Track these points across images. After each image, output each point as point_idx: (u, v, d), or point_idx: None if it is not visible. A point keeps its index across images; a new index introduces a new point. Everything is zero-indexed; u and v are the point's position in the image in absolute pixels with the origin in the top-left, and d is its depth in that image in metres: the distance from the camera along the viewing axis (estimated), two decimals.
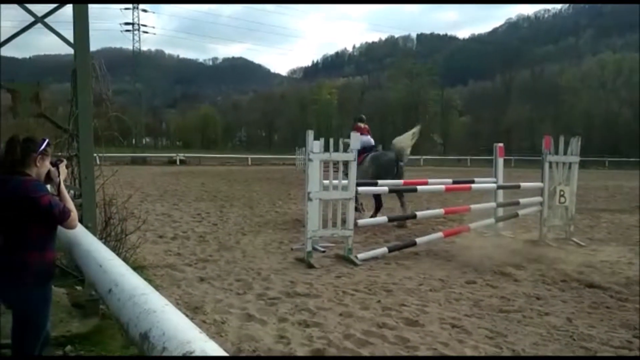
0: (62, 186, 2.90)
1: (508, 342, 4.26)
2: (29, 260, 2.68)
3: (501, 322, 4.78)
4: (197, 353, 1.25)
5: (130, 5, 62.94)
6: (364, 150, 10.16)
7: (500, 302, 5.41)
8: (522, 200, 9.11)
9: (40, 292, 2.77)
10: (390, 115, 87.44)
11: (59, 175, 2.91)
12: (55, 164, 2.94)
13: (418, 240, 7.96)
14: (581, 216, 11.18)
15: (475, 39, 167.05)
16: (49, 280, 2.83)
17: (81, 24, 4.69)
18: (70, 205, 2.80)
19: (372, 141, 11.45)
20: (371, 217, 10.31)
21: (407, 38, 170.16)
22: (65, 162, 3.03)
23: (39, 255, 2.70)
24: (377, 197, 10.82)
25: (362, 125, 11.33)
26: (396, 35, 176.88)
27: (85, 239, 2.85)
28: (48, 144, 2.78)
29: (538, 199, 9.01)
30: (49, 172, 2.84)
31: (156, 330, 1.47)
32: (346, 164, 7.37)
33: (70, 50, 4.84)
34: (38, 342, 2.83)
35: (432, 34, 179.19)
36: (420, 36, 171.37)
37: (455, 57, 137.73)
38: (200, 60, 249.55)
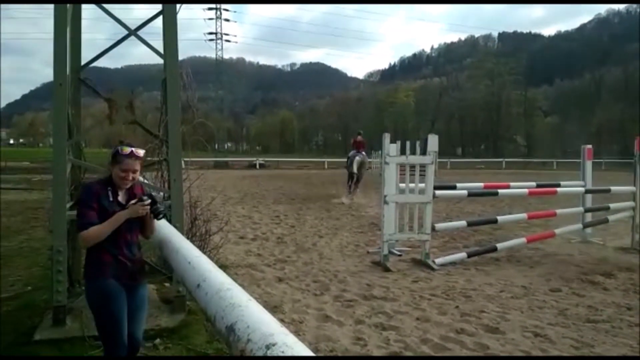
0: (123, 213, 2.88)
1: (595, 353, 4.07)
2: (87, 256, 2.93)
3: (588, 332, 4.56)
4: (279, 345, 1.33)
5: (213, 15, 65.33)
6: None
7: (587, 312, 5.16)
8: (612, 205, 8.65)
9: (90, 288, 2.88)
10: (470, 117, 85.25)
11: (135, 203, 2.92)
12: (151, 201, 2.97)
13: (499, 245, 7.73)
14: None
15: (561, 37, 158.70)
16: (97, 278, 2.85)
17: (170, 34, 4.93)
18: (101, 227, 2.79)
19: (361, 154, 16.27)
20: (351, 192, 15.98)
21: (488, 37, 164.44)
22: (147, 205, 2.92)
23: (89, 252, 2.91)
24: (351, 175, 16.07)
25: (359, 139, 16.26)
26: (476, 35, 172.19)
27: (174, 237, 3.03)
28: (116, 152, 2.89)
29: (630, 203, 8.53)
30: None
31: (241, 323, 1.57)
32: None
33: (158, 60, 5.09)
34: (108, 337, 2.85)
35: (514, 32, 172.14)
36: (502, 35, 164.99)
37: (539, 55, 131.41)
38: (279, 66, 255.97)
